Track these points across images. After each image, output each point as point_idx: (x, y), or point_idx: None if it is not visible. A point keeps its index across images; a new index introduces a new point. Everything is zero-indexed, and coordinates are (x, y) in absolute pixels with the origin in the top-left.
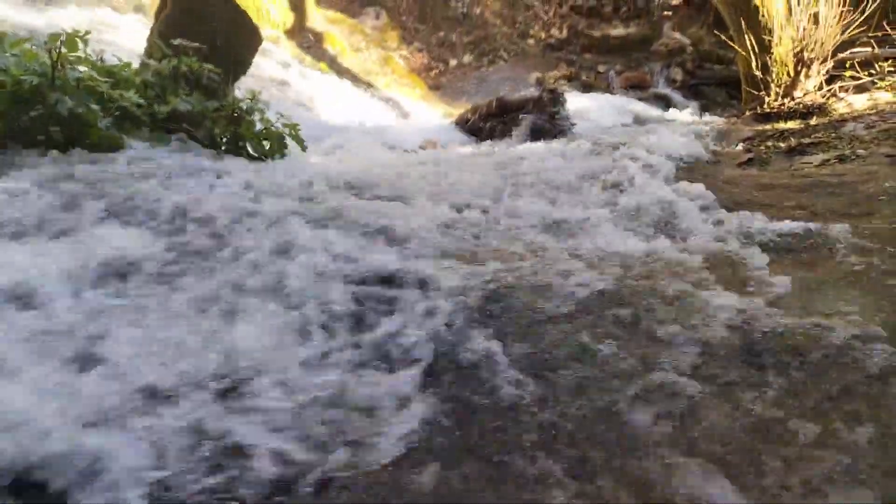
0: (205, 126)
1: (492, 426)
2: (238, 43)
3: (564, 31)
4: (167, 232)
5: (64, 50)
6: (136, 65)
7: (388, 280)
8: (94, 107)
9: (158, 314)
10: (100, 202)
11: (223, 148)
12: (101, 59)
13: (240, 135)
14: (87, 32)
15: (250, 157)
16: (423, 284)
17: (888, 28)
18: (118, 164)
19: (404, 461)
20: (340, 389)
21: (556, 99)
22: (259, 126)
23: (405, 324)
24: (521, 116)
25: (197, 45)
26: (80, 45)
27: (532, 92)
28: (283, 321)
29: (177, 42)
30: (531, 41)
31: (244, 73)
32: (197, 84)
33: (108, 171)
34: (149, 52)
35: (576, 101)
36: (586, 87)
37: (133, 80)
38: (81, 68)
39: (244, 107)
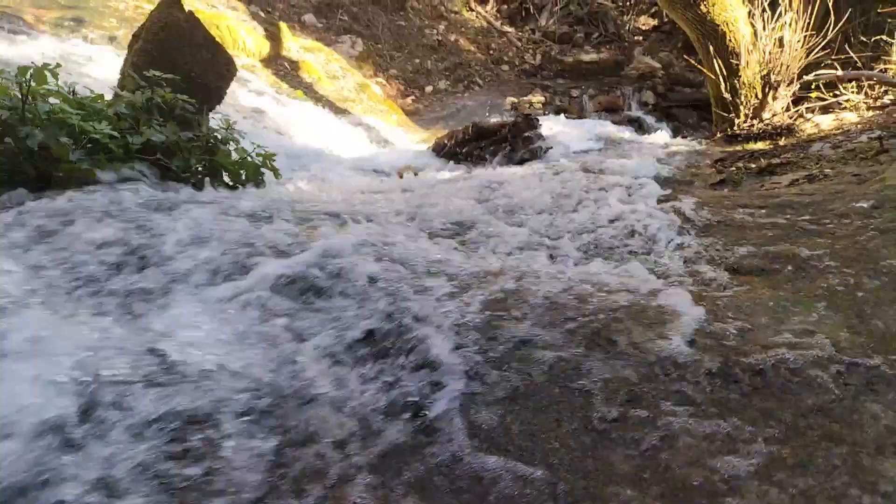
0: (179, 157)
1: None
2: (212, 73)
3: (538, 57)
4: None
5: (34, 83)
6: (109, 96)
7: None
8: (65, 140)
9: None
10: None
11: (199, 178)
12: (73, 91)
13: (215, 165)
14: (58, 65)
15: (226, 187)
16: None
17: (850, 51)
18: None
19: None
20: None
21: (531, 124)
22: (235, 156)
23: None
24: (496, 141)
25: (171, 76)
26: (51, 78)
27: (507, 117)
28: None
29: (150, 73)
30: (506, 67)
31: (219, 102)
32: (171, 115)
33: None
34: (122, 84)
35: (550, 126)
36: (560, 112)
37: (106, 112)
38: (52, 101)
39: (219, 136)
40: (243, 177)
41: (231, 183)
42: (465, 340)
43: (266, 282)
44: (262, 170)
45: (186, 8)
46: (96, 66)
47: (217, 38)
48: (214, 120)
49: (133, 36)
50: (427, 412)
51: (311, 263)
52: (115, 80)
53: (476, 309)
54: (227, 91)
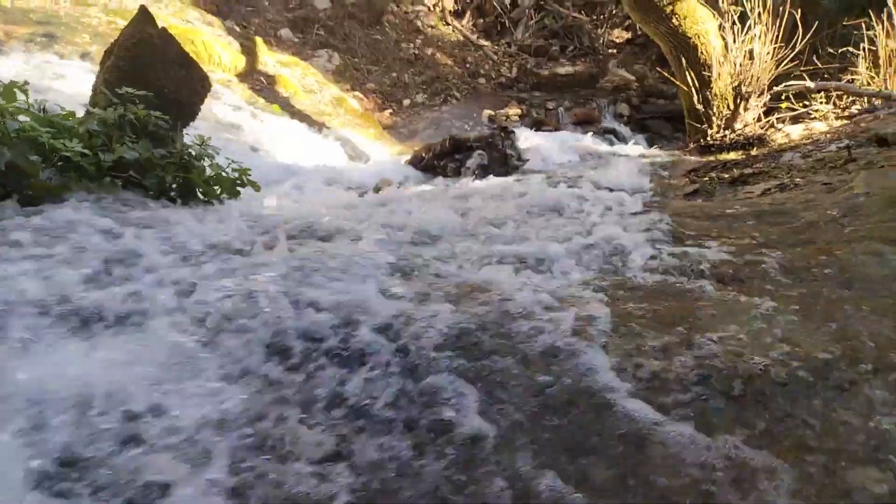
0: (153, 174)
1: None
2: (186, 89)
3: (514, 70)
4: None
5: (2, 101)
6: (81, 113)
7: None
8: (35, 158)
9: None
10: None
11: (172, 195)
12: (44, 108)
13: (189, 181)
14: (26, 82)
15: (202, 204)
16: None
17: (818, 62)
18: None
19: None
20: None
21: (508, 136)
22: (209, 172)
23: None
24: (474, 154)
25: (144, 92)
26: (21, 95)
27: (485, 130)
28: None
29: (123, 90)
30: (482, 80)
31: (193, 119)
32: (144, 132)
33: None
34: (94, 101)
35: (527, 138)
36: (537, 124)
37: (77, 130)
38: (22, 118)
39: (193, 153)
40: (218, 193)
41: (206, 200)
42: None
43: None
44: (240, 185)
45: (160, 24)
46: (68, 82)
47: (192, 54)
48: (189, 136)
49: (105, 52)
50: None
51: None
52: (88, 97)
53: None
54: (203, 107)
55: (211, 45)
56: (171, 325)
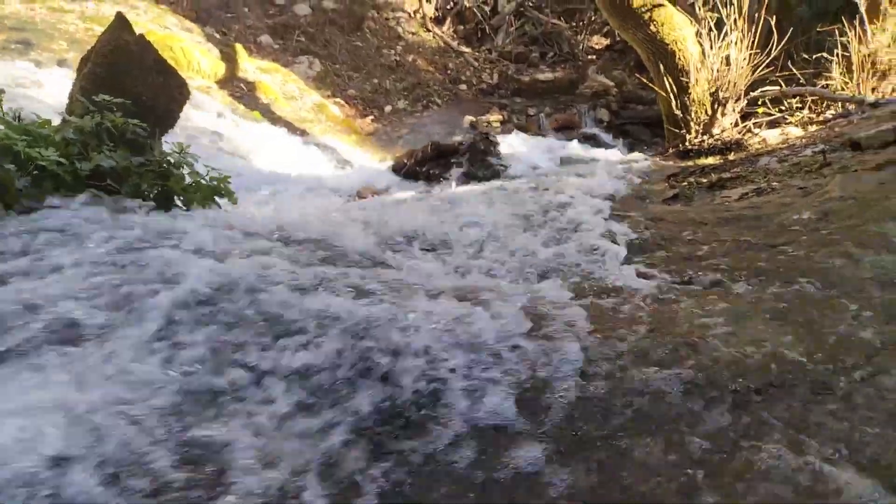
0: (131, 182)
1: None
2: (165, 97)
3: (495, 77)
4: None
5: None
6: (57, 121)
7: None
8: (10, 167)
9: None
10: None
11: (150, 204)
12: (19, 116)
13: (168, 189)
14: (1, 91)
15: (180, 212)
16: None
17: (793, 68)
18: None
19: None
20: None
21: (490, 142)
22: (188, 179)
23: None
24: (456, 160)
25: (121, 100)
26: None
27: (466, 136)
28: None
29: (100, 98)
30: (463, 86)
31: (172, 126)
32: (122, 140)
33: None
34: (70, 109)
35: (509, 144)
36: (518, 130)
37: (53, 138)
38: None
39: (172, 161)
40: (197, 201)
41: (185, 208)
42: None
43: None
44: (219, 193)
45: (138, 31)
46: (45, 89)
47: (171, 60)
48: (168, 144)
49: (82, 59)
50: None
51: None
52: (65, 105)
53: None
54: (182, 114)
55: (190, 51)
56: None
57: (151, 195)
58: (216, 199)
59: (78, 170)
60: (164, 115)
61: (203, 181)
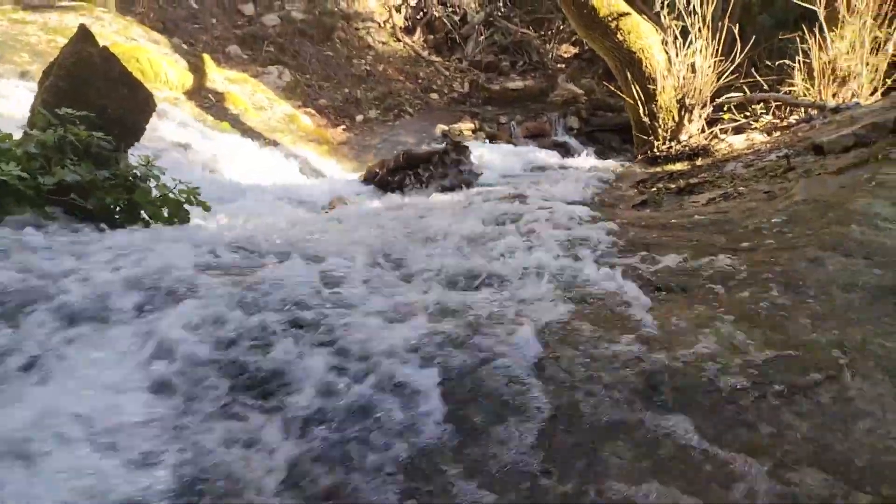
0: (96, 196)
1: None
2: (130, 109)
3: (466, 86)
4: None
5: None
6: (19, 135)
7: None
8: None
9: None
10: None
11: (117, 218)
12: None
13: (135, 203)
14: None
15: (147, 225)
16: None
17: (756, 75)
18: None
19: None
20: None
21: (462, 151)
22: (156, 192)
23: None
24: (428, 169)
25: (85, 112)
26: None
27: (438, 145)
28: None
29: (63, 111)
30: (435, 95)
31: (138, 139)
32: (86, 153)
33: None
34: (32, 122)
35: (480, 152)
36: (490, 138)
37: (14, 152)
38: None
39: (138, 174)
40: (165, 214)
41: (152, 222)
42: None
43: None
44: (188, 205)
45: (103, 42)
46: (6, 102)
47: (137, 72)
48: (134, 157)
49: (44, 72)
50: None
51: None
52: (27, 118)
53: None
54: (149, 125)
55: (157, 62)
56: None
57: (117, 209)
58: (187, 210)
59: (41, 185)
60: (130, 127)
61: (171, 194)
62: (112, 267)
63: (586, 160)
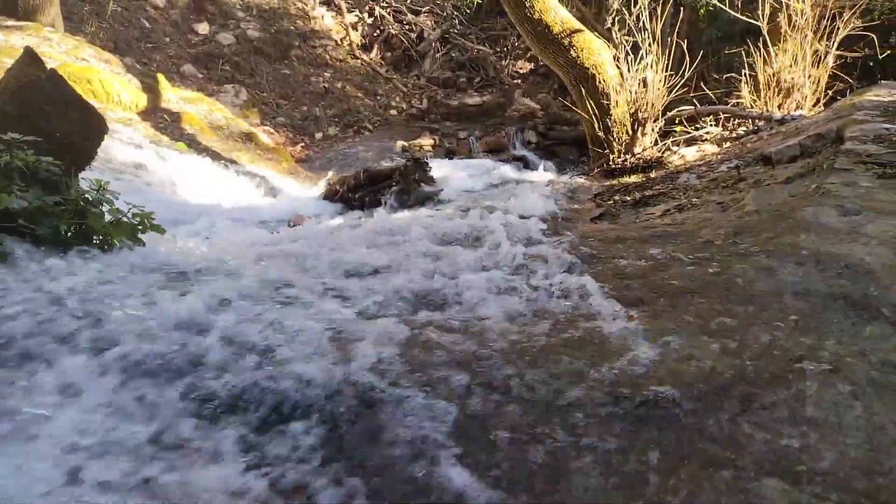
0: (46, 223)
1: None
2: (81, 132)
3: (424, 102)
4: None
5: None
6: None
7: None
8: None
9: None
10: None
11: (69, 244)
12: None
13: (87, 228)
14: None
15: (102, 250)
16: None
17: (706, 88)
18: None
19: None
20: None
21: (422, 166)
22: (109, 217)
23: None
24: (389, 186)
25: (32, 138)
26: None
27: (398, 161)
28: None
29: (8, 136)
30: (394, 112)
31: (89, 162)
32: (34, 179)
33: None
34: None
35: (441, 168)
36: (450, 153)
37: None
38: None
39: (90, 198)
40: (116, 242)
41: (105, 247)
42: None
43: None
44: (141, 230)
45: (52, 63)
46: None
47: (89, 93)
48: (86, 181)
49: None
50: None
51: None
52: None
53: None
54: (103, 147)
55: (109, 83)
56: None
57: (69, 235)
58: (139, 235)
59: None
60: (81, 151)
61: (125, 218)
62: None
63: (544, 174)
